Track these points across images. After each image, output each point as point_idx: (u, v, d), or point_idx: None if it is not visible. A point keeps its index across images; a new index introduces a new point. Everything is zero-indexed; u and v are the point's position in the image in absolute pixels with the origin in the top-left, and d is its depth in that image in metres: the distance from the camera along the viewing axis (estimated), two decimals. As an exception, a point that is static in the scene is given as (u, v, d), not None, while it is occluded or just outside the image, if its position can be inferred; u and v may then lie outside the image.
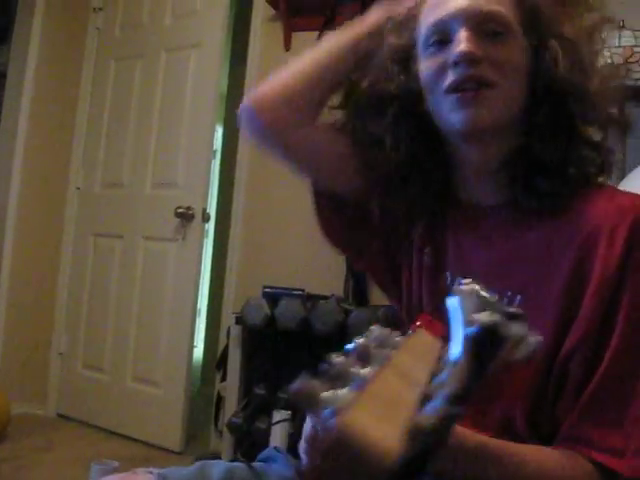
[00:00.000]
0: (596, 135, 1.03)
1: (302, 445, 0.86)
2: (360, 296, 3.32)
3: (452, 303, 0.58)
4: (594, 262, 0.94)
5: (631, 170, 2.49)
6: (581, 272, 0.95)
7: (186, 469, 1.14)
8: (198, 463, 1.16)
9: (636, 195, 1.00)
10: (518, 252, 1.03)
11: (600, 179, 1.06)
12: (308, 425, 0.85)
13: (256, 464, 1.20)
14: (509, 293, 0.99)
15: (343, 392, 0.52)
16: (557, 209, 1.01)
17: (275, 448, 1.28)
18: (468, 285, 0.58)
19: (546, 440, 0.95)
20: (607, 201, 0.99)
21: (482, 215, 1.08)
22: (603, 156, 1.03)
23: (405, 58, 1.09)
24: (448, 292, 1.06)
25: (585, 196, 1.01)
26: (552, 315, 0.96)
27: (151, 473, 1.09)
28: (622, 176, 2.64)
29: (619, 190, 1.06)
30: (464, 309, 0.57)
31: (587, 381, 0.92)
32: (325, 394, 0.53)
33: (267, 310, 3.16)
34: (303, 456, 0.86)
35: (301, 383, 0.52)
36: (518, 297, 0.99)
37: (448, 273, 1.11)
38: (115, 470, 1.90)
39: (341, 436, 0.44)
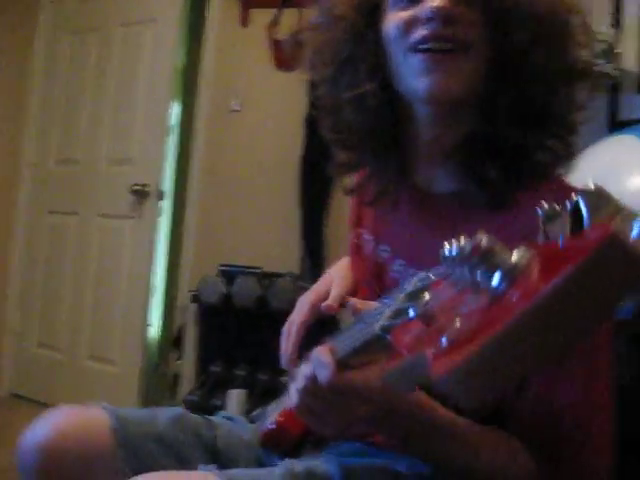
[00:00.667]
0: (560, 126, 0.96)
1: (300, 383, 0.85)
2: (316, 274, 3.33)
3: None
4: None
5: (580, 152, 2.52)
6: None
7: (139, 410, 1.23)
8: (156, 407, 1.21)
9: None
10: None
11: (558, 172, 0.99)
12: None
13: (211, 417, 1.23)
14: None
15: (516, 254, 0.47)
16: (507, 204, 0.94)
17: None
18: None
19: None
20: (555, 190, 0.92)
21: (431, 202, 1.04)
22: (564, 148, 0.96)
23: (371, 9, 1.00)
24: (385, 270, 1.10)
25: (534, 191, 0.93)
26: None
27: (104, 409, 1.17)
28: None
29: (567, 183, 0.98)
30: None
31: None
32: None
33: (223, 288, 3.17)
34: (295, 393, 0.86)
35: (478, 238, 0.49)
36: None
37: (386, 246, 1.11)
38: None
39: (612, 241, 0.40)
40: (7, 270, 4.00)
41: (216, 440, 1.16)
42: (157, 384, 3.85)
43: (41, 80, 4.05)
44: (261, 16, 3.47)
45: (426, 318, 0.53)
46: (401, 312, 0.64)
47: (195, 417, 1.20)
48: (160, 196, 3.44)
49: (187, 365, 3.34)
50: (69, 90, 3.93)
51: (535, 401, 0.91)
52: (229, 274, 3.21)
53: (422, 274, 0.65)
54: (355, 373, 0.79)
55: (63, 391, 3.69)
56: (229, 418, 1.26)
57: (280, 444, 1.11)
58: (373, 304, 0.81)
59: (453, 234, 1.02)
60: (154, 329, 3.68)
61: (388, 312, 0.67)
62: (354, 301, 0.86)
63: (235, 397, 2.66)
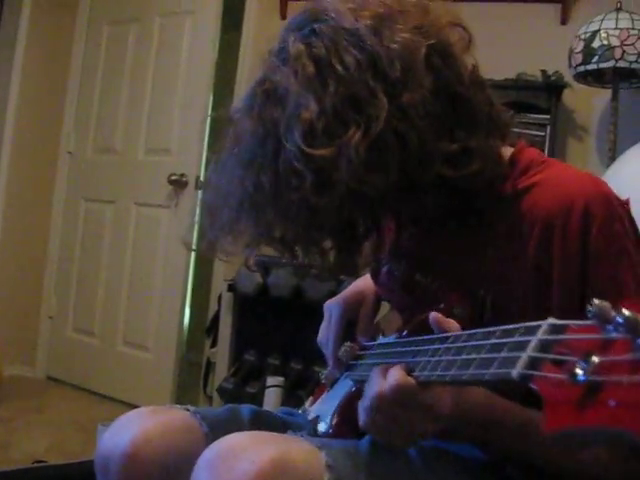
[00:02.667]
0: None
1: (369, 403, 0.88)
2: (350, 266, 3.37)
3: None
4: (553, 256, 0.96)
5: (621, 153, 2.54)
6: (542, 267, 0.97)
7: (217, 409, 1.20)
8: (227, 405, 1.22)
9: (582, 177, 1.01)
10: (476, 255, 1.05)
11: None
12: (374, 385, 0.87)
13: (276, 413, 1.26)
14: (481, 292, 1.02)
15: None
16: (496, 213, 1.03)
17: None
18: None
19: None
20: (555, 190, 0.99)
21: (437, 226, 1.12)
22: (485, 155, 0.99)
23: None
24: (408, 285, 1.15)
25: (531, 185, 1.01)
26: (522, 309, 0.99)
27: (187, 410, 1.15)
28: (613, 157, 2.70)
29: (565, 170, 1.05)
30: None
31: None
32: None
33: (259, 278, 3.21)
34: (363, 413, 0.89)
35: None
36: (489, 298, 1.02)
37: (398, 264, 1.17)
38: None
39: None
40: (44, 256, 4.07)
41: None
42: (189, 371, 3.91)
43: (80, 70, 4.10)
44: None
45: (594, 384, 0.53)
46: (554, 363, 0.60)
47: (267, 416, 1.22)
48: (198, 185, 3.48)
49: (221, 353, 3.39)
50: (108, 80, 3.98)
51: None
52: (265, 264, 3.25)
53: (553, 322, 0.63)
54: (425, 390, 0.83)
55: (97, 375, 3.77)
56: (290, 413, 1.28)
57: None
58: (456, 326, 0.85)
59: (461, 247, 1.06)
60: (188, 317, 3.73)
61: (522, 358, 0.62)
62: (437, 317, 0.87)
63: (273, 384, 2.70)
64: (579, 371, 0.54)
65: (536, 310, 0.97)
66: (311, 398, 1.37)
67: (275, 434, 0.98)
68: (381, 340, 1.18)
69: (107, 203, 3.89)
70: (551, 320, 0.63)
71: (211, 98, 3.62)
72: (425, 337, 0.89)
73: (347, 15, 0.94)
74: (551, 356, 0.59)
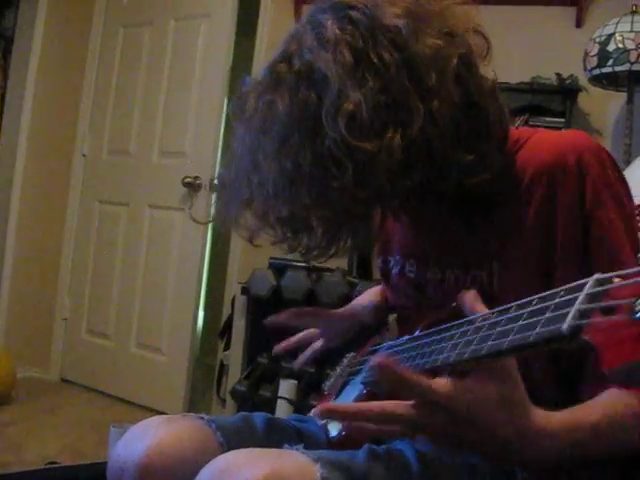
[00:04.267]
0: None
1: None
2: (364, 270, 3.37)
3: None
4: (556, 210, 0.98)
5: (637, 156, 2.52)
6: (546, 220, 0.99)
7: (230, 417, 1.19)
8: (240, 414, 1.21)
9: (570, 133, 1.05)
10: (485, 232, 1.06)
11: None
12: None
13: (289, 420, 1.26)
14: (487, 267, 1.04)
15: None
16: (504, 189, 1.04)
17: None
18: None
19: (565, 376, 0.98)
20: (550, 146, 1.01)
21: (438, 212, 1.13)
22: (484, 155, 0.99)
23: None
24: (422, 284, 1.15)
25: (521, 147, 1.04)
26: (533, 264, 1.00)
27: (202, 419, 1.13)
28: (628, 161, 2.68)
29: (551, 131, 1.08)
30: None
31: None
32: None
33: (273, 281, 3.22)
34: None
35: None
36: (496, 267, 1.03)
37: (412, 261, 1.18)
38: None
39: None
40: (59, 258, 4.09)
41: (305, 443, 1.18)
42: (200, 374, 3.92)
43: (95, 72, 4.12)
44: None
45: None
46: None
47: (280, 423, 1.21)
48: (212, 188, 3.49)
49: (235, 356, 3.39)
50: (123, 83, 4.00)
51: None
52: (279, 267, 3.25)
53: (599, 276, 0.63)
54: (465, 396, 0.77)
55: (111, 377, 3.78)
56: (302, 420, 1.28)
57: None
58: (482, 307, 0.82)
59: (462, 229, 1.07)
60: (201, 320, 3.74)
61: (571, 312, 0.62)
62: (469, 296, 0.84)
63: (286, 388, 2.70)
64: (638, 308, 0.56)
65: (539, 264, 0.99)
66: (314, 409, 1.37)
67: (269, 450, 0.97)
68: (389, 343, 1.18)
69: (121, 205, 3.90)
70: (597, 275, 0.63)
71: (225, 101, 3.62)
72: (444, 326, 0.87)
73: (382, 8, 0.94)
74: (602, 304, 0.60)
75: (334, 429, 1.14)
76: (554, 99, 3.04)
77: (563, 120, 3.00)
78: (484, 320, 0.77)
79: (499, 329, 0.72)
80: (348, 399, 1.17)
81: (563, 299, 0.65)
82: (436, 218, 1.12)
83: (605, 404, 0.87)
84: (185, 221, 3.58)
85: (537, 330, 0.65)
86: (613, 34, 2.68)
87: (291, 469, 0.90)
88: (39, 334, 3.99)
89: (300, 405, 2.80)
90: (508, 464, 0.98)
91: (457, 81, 0.93)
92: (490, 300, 0.84)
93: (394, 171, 0.91)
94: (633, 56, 2.62)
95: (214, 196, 3.47)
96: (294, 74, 0.94)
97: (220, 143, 3.61)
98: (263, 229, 1.02)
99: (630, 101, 2.81)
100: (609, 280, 0.61)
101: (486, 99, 0.98)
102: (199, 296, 3.63)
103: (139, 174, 3.84)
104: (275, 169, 0.95)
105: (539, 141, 1.04)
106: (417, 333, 1.05)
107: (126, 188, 3.89)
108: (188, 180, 3.51)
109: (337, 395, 1.27)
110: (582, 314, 0.60)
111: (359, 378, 1.19)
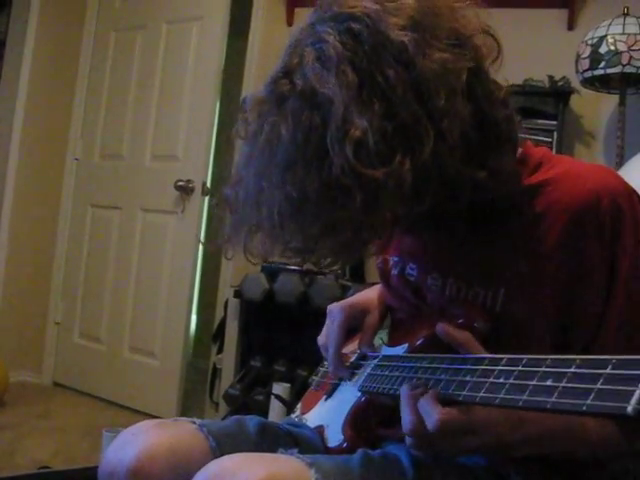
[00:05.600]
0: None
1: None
2: (357, 273, 3.37)
3: None
4: (584, 250, 0.96)
5: (629, 159, 2.53)
6: (572, 260, 0.97)
7: (223, 422, 1.19)
8: (233, 417, 1.21)
9: (599, 171, 1.01)
10: (495, 250, 1.05)
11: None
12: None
13: (283, 424, 1.25)
14: (493, 288, 1.03)
15: None
16: (521, 207, 1.02)
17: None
18: None
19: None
20: (581, 182, 0.98)
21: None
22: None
23: None
24: (420, 287, 1.14)
25: (546, 181, 1.01)
26: (544, 305, 0.99)
27: (194, 423, 1.13)
28: (621, 163, 2.69)
29: (579, 164, 1.05)
30: None
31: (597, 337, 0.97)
32: None
33: (266, 284, 3.21)
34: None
35: None
36: (502, 291, 1.02)
37: (413, 265, 1.16)
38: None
39: None
40: (51, 262, 4.07)
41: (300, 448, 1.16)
42: (193, 377, 3.91)
43: (87, 76, 4.11)
44: (307, 15, 3.50)
45: None
46: None
47: (273, 428, 1.21)
48: (204, 192, 3.49)
49: (228, 359, 3.39)
50: (115, 86, 4.00)
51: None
52: (272, 271, 3.25)
53: None
54: (461, 413, 0.82)
55: (104, 382, 3.77)
56: (295, 424, 1.27)
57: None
58: (467, 336, 0.85)
59: (479, 243, 1.05)
60: (194, 324, 3.73)
61: (637, 393, 0.59)
62: (446, 327, 0.88)
63: (279, 391, 2.69)
64: None
65: (555, 297, 0.98)
66: (300, 405, 1.36)
67: (265, 454, 0.98)
68: (387, 351, 1.17)
69: (114, 209, 3.89)
70: None
71: (218, 105, 3.63)
72: (455, 355, 0.89)
73: (385, 19, 0.88)
74: None
75: (334, 439, 1.14)
76: (546, 101, 3.05)
77: (555, 122, 3.00)
78: (511, 365, 0.78)
79: (535, 383, 0.72)
80: (345, 402, 1.16)
81: (619, 372, 0.63)
82: (443, 227, 1.09)
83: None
84: (178, 224, 3.57)
85: (591, 401, 0.64)
86: (605, 36, 2.68)
87: (286, 474, 0.91)
88: (32, 338, 3.97)
89: (294, 408, 2.79)
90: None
91: (468, 96, 0.89)
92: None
93: (405, 197, 0.87)
94: (625, 58, 2.63)
95: (207, 199, 3.47)
96: (297, 95, 0.89)
97: (212, 146, 3.61)
98: (272, 254, 0.98)
99: (622, 103, 2.81)
100: None
101: (497, 110, 0.94)
102: (192, 300, 3.62)
103: (131, 178, 3.83)
104: (280, 198, 0.89)
105: (568, 178, 1.00)
106: (418, 343, 1.05)
107: (118, 192, 3.88)
108: (181, 183, 3.50)
109: (328, 396, 1.26)
110: None
111: (354, 384, 1.17)
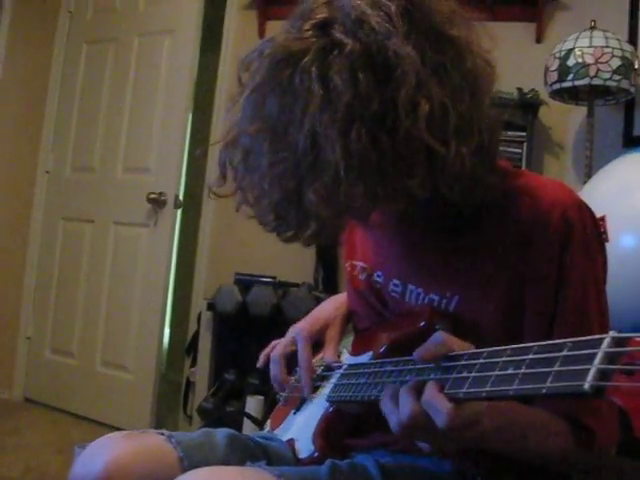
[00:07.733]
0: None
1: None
2: (330, 284, 3.38)
3: None
4: (531, 262, 0.98)
5: (598, 170, 2.56)
6: (520, 271, 0.99)
7: (192, 433, 1.18)
8: (202, 429, 1.20)
9: (558, 186, 1.03)
10: (452, 257, 1.06)
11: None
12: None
13: (253, 437, 1.25)
14: (447, 294, 1.04)
15: None
16: (480, 217, 1.03)
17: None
18: None
19: None
20: (535, 196, 1.00)
21: (409, 224, 1.12)
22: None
23: None
24: (382, 292, 1.15)
25: (510, 193, 1.02)
26: (496, 313, 1.00)
27: (162, 434, 1.13)
28: (589, 174, 2.73)
29: (537, 179, 1.07)
30: None
31: None
32: None
33: (239, 297, 3.21)
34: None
35: None
36: (456, 297, 1.03)
37: (379, 272, 1.18)
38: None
39: None
40: (22, 276, 4.03)
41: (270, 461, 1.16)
42: (166, 391, 3.88)
43: (59, 88, 4.09)
44: (279, 28, 3.51)
45: None
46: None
47: (243, 439, 1.20)
48: (177, 205, 3.47)
49: (201, 372, 3.37)
50: (86, 99, 3.97)
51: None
52: (245, 283, 3.25)
53: (616, 335, 0.63)
54: (464, 408, 0.80)
55: (76, 397, 3.72)
56: (266, 438, 1.26)
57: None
58: (467, 345, 0.84)
59: (438, 250, 1.06)
60: (167, 337, 3.71)
61: (591, 370, 0.62)
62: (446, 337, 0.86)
63: (253, 405, 2.69)
64: None
65: (505, 320, 1.00)
66: (270, 421, 1.36)
67: (230, 467, 0.98)
68: (351, 360, 1.17)
69: (86, 222, 3.86)
70: (613, 333, 0.63)
71: (190, 117, 3.62)
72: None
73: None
74: (621, 367, 0.60)
75: (305, 449, 1.14)
76: (515, 113, 3.08)
77: (525, 134, 3.03)
78: (472, 358, 0.79)
79: (498, 373, 0.74)
80: (314, 414, 1.17)
81: (574, 353, 0.65)
82: (412, 230, 1.11)
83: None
84: (150, 237, 3.56)
85: (550, 383, 0.66)
86: (573, 49, 2.72)
87: None
88: (2, 353, 3.92)
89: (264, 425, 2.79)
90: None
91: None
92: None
93: (451, 179, 0.90)
94: (592, 70, 2.66)
95: (179, 212, 3.46)
96: (358, 52, 0.86)
97: (185, 159, 3.60)
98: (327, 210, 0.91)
99: (590, 115, 2.85)
100: (626, 339, 0.61)
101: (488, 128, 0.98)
102: (165, 313, 3.60)
103: (103, 190, 3.81)
104: (340, 154, 0.85)
105: (528, 188, 1.02)
106: (382, 350, 1.06)
107: (90, 205, 3.85)
108: (153, 196, 3.48)
109: (297, 410, 1.26)
110: (603, 374, 0.61)
111: (321, 395, 1.17)
